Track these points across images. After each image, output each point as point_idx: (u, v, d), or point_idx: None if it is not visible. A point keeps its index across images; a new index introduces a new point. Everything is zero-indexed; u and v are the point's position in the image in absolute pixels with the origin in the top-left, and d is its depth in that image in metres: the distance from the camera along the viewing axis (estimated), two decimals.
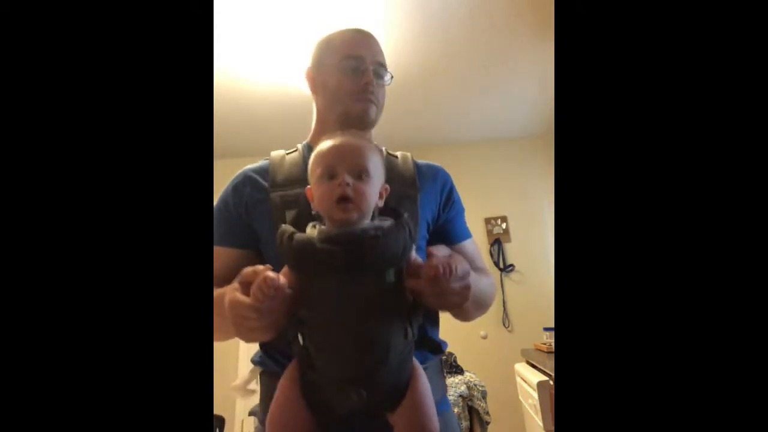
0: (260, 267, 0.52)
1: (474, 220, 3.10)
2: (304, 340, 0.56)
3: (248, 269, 0.53)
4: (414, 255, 0.60)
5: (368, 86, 0.79)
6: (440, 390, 0.74)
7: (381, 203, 0.62)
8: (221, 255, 0.71)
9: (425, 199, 0.76)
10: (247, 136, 2.80)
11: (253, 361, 0.72)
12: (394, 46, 2.08)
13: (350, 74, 0.78)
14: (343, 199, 0.56)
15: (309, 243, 0.55)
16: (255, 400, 0.74)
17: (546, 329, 2.25)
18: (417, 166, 0.80)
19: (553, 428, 1.74)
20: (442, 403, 0.72)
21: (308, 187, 0.62)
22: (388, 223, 0.58)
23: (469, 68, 2.35)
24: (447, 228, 0.81)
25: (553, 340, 2.10)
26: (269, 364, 0.68)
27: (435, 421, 0.56)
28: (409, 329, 0.56)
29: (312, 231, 0.57)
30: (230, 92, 2.32)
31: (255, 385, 0.72)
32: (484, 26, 2.02)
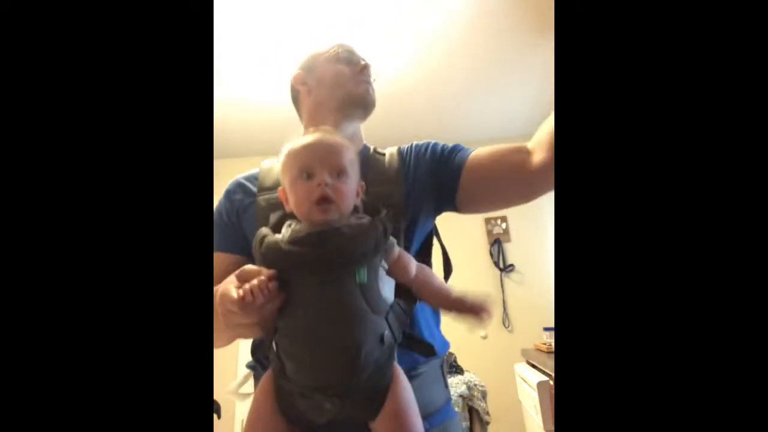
0: (266, 270, 0.52)
1: (474, 220, 3.10)
2: (277, 348, 0.55)
3: (252, 267, 0.53)
4: (397, 250, 0.58)
5: (365, 69, 0.81)
6: (440, 397, 0.69)
7: (358, 201, 0.60)
8: (216, 260, 0.71)
9: (417, 190, 0.72)
10: (247, 137, 2.80)
11: (247, 366, 0.72)
12: (397, 49, 2.09)
13: (345, 62, 0.80)
14: (323, 200, 0.54)
15: (276, 246, 0.53)
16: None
17: (546, 329, 2.25)
18: (405, 158, 0.77)
19: (553, 428, 1.74)
20: (443, 411, 0.68)
21: (280, 188, 0.61)
22: (362, 221, 0.56)
23: (470, 69, 2.35)
24: (444, 170, 0.75)
25: (553, 340, 2.10)
26: (260, 371, 0.68)
27: (418, 428, 0.53)
28: (387, 332, 0.54)
29: (285, 231, 0.55)
30: (230, 92, 2.32)
31: (250, 388, 0.72)
32: (485, 29, 2.02)
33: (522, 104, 2.79)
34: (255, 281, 0.49)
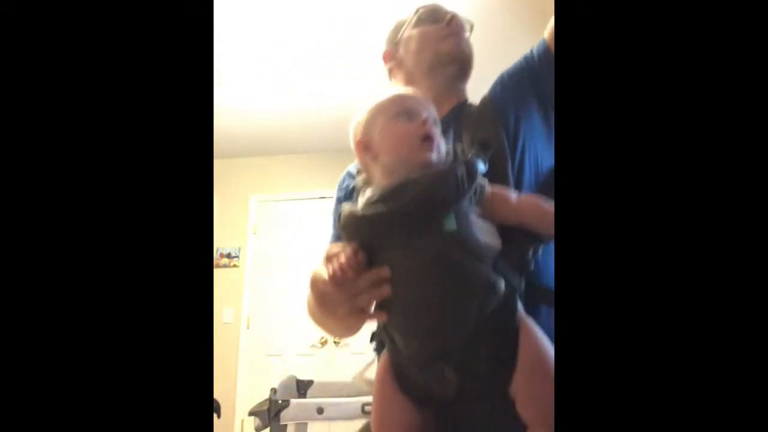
0: (349, 244, 0.50)
1: None
2: (385, 324, 0.51)
3: (336, 246, 0.52)
4: (489, 189, 0.52)
5: (452, 21, 0.73)
6: None
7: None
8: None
9: (516, 116, 0.67)
10: (248, 137, 2.80)
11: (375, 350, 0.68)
12: None
13: (430, 22, 0.74)
14: (429, 138, 0.51)
15: (352, 215, 0.50)
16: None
17: None
18: (492, 96, 0.72)
19: None
20: None
21: (357, 140, 0.56)
22: (441, 167, 0.51)
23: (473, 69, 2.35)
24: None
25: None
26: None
27: None
28: (499, 279, 0.47)
29: (361, 199, 0.52)
30: (230, 92, 2.33)
31: (373, 373, 0.68)
32: (485, 29, 2.02)
33: None
34: (341, 256, 0.47)
